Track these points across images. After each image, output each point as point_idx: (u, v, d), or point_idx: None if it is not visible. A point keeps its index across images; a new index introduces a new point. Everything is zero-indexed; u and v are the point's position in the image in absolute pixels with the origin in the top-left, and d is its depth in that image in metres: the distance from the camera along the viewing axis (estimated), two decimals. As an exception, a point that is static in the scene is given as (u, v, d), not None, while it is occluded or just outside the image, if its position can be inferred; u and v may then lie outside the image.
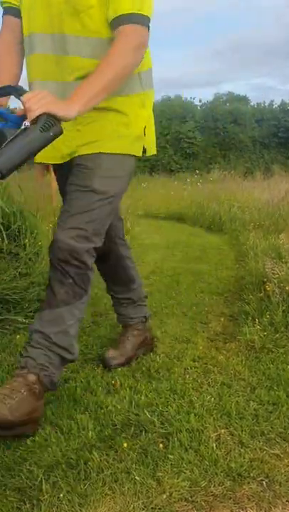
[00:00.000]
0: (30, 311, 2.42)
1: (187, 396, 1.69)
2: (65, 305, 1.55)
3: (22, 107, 1.30)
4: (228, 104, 21.54)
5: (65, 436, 1.46)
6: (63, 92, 1.48)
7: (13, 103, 1.61)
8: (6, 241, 2.78)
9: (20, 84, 1.60)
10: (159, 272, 3.74)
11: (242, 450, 1.39)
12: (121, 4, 1.45)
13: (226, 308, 2.79)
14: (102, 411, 1.59)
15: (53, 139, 1.31)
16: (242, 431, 1.48)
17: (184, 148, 19.85)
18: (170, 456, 1.35)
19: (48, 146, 1.32)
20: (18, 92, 1.35)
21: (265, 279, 2.63)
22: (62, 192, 1.78)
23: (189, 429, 1.48)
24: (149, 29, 1.49)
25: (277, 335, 2.20)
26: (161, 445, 1.40)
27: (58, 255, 1.54)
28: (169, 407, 1.61)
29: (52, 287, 1.56)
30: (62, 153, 1.61)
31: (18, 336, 2.22)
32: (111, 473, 1.29)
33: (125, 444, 1.40)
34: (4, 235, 2.77)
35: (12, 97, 1.43)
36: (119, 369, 1.91)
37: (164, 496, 1.20)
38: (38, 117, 1.27)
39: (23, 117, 1.29)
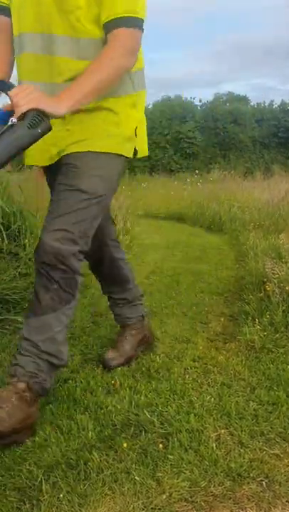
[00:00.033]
0: (30, 311, 2.42)
1: (187, 396, 1.69)
2: (52, 311, 1.51)
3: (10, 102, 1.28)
4: (228, 104, 21.52)
5: (65, 437, 1.46)
6: (51, 94, 1.44)
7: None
8: (6, 241, 2.78)
9: None
10: (159, 272, 3.73)
11: (242, 450, 1.39)
12: (114, 7, 1.42)
13: (226, 308, 2.79)
14: (102, 411, 1.59)
15: (41, 136, 1.28)
16: (242, 431, 1.48)
17: (184, 148, 19.83)
18: (170, 457, 1.35)
19: (38, 148, 1.30)
20: (6, 86, 1.32)
21: (265, 279, 2.63)
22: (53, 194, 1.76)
23: (189, 429, 1.48)
24: (143, 31, 1.48)
25: (277, 335, 2.20)
26: (160, 445, 1.40)
27: (43, 258, 1.48)
28: (169, 407, 1.61)
29: (37, 293, 1.51)
30: (51, 153, 1.58)
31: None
32: (111, 473, 1.29)
33: (125, 444, 1.40)
34: (4, 235, 2.77)
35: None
36: (119, 369, 1.91)
37: (164, 496, 1.20)
38: (25, 113, 1.25)
39: (11, 113, 1.27)
